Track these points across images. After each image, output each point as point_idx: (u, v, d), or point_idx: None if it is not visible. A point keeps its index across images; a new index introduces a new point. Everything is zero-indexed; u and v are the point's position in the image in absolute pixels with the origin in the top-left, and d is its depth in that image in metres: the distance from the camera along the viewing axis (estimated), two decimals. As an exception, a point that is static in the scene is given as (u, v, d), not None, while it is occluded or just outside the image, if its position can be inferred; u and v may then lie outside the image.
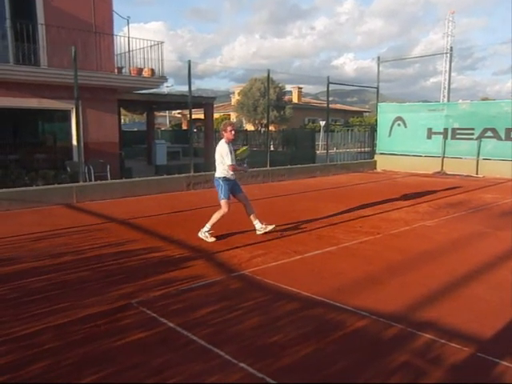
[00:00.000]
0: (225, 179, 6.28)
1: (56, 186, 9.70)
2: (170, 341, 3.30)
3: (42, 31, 11.55)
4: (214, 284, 4.50)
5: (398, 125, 16.19)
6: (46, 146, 13.56)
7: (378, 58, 16.67)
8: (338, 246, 5.98)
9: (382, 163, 16.55)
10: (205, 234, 6.29)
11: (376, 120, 17.40)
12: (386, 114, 16.67)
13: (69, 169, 12.01)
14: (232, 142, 6.45)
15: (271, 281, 4.58)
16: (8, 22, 11.21)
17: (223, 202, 6.30)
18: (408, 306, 3.95)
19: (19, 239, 6.36)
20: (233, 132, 6.26)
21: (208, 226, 6.31)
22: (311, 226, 7.20)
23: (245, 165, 6.70)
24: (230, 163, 6.16)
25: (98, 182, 10.64)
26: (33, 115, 12.85)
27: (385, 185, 12.68)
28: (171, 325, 3.54)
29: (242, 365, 2.95)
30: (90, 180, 11.39)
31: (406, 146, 15.89)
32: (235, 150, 6.50)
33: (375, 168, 16.61)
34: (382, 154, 16.75)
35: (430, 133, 15.44)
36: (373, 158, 17.15)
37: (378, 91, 16.84)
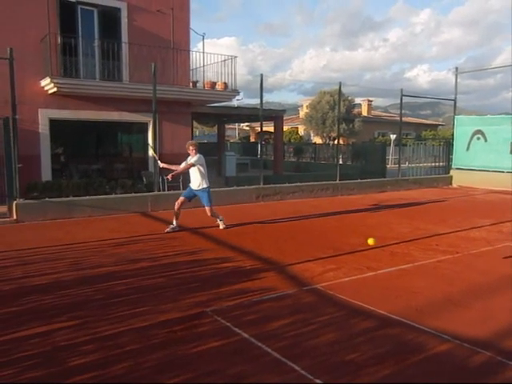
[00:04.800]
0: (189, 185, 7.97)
1: (133, 194, 10.22)
2: (245, 351, 3.32)
3: (125, 49, 12.32)
4: (286, 297, 4.48)
5: (478, 138, 15.34)
6: (124, 156, 14.33)
7: (456, 68, 15.97)
8: (414, 264, 5.74)
9: (459, 179, 15.74)
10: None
11: (452, 133, 16.61)
12: (463, 127, 15.86)
13: (144, 179, 12.58)
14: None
15: (344, 296, 4.48)
16: (96, 42, 12.08)
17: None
18: (495, 332, 3.68)
19: (101, 244, 6.76)
20: (194, 151, 7.71)
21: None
22: (383, 241, 6.97)
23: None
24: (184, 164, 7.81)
25: (172, 191, 11.04)
26: (113, 127, 13.63)
27: (462, 201, 12.03)
28: (245, 335, 3.57)
29: (318, 381, 2.89)
30: (164, 190, 11.85)
31: (485, 160, 14.99)
32: None
33: (450, 183, 15.83)
34: (458, 169, 15.94)
35: (514, 147, 14.45)
36: (448, 173, 16.36)
37: (455, 103, 16.09)
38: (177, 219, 7.78)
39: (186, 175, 12.96)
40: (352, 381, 2.92)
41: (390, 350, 3.33)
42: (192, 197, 7.87)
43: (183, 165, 7.79)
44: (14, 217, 8.39)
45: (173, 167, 7.89)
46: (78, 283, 4.86)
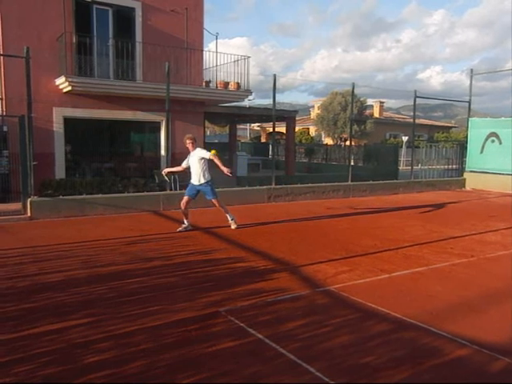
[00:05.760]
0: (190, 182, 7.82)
1: (145, 193, 10.25)
2: (260, 352, 3.30)
3: (139, 48, 12.38)
4: (300, 298, 4.45)
5: (492, 141, 15.14)
6: (136, 155, 14.39)
7: (471, 70, 15.79)
8: (428, 267, 5.68)
9: (472, 181, 15.56)
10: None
11: (466, 136, 16.43)
12: (477, 130, 15.67)
13: (156, 178, 12.62)
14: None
15: (358, 299, 4.44)
16: (111, 41, 12.16)
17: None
18: (513, 337, 3.62)
19: (113, 242, 6.78)
20: (191, 144, 7.58)
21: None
22: (397, 244, 6.91)
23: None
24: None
25: (183, 190, 11.02)
26: (126, 126, 13.70)
27: (476, 204, 11.88)
28: (260, 336, 3.54)
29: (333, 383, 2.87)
30: (176, 189, 11.87)
31: (500, 163, 14.77)
32: None
33: (464, 186, 15.65)
34: (472, 171, 15.76)
35: (530, 150, 14.23)
36: (461, 175, 16.18)
37: (469, 105, 15.91)
38: (187, 218, 7.73)
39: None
40: (369, 383, 2.89)
41: (406, 354, 3.29)
42: (196, 194, 7.71)
43: (185, 163, 7.70)
44: (29, 214, 8.47)
45: (174, 169, 8.20)
46: (92, 281, 4.88)
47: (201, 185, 7.61)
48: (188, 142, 7.56)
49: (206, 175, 7.60)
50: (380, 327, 3.79)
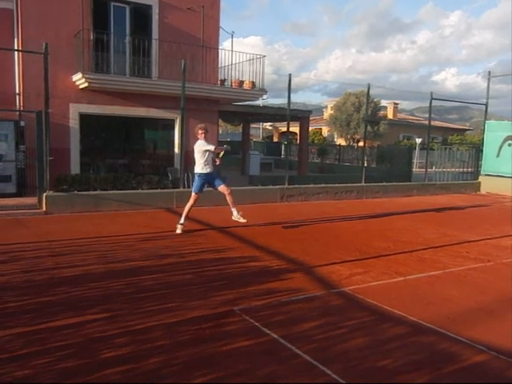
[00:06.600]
0: (200, 175, 7.38)
1: (159, 190, 10.30)
2: (275, 352, 3.29)
3: (155, 46, 12.43)
4: (314, 298, 4.44)
5: (509, 145, 14.91)
6: (150, 152, 14.44)
7: (489, 72, 15.60)
8: (444, 271, 5.62)
9: (487, 185, 15.37)
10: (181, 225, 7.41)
11: (482, 139, 16.22)
12: (494, 133, 15.46)
13: (170, 175, 12.66)
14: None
15: (374, 301, 4.41)
16: (127, 39, 12.22)
17: (192, 195, 7.46)
18: (532, 344, 3.56)
19: (128, 238, 6.82)
20: (203, 134, 7.33)
21: (183, 218, 7.44)
22: (411, 247, 6.86)
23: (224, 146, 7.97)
24: (213, 147, 7.41)
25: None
26: (140, 123, 13.75)
27: (491, 208, 11.73)
28: (275, 336, 3.54)
29: (350, 386, 2.85)
30: (189, 186, 11.89)
31: (516, 168, 14.59)
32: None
33: (479, 190, 15.46)
34: (487, 175, 15.56)
35: (549, 154, 14.01)
36: (476, 179, 15.99)
37: (486, 108, 15.70)
38: (187, 215, 7.47)
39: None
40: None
41: (423, 358, 3.26)
42: (203, 187, 7.46)
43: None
44: (44, 208, 8.55)
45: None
46: (108, 276, 4.92)
47: (214, 171, 7.48)
48: (200, 132, 7.34)
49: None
50: (396, 330, 3.76)
